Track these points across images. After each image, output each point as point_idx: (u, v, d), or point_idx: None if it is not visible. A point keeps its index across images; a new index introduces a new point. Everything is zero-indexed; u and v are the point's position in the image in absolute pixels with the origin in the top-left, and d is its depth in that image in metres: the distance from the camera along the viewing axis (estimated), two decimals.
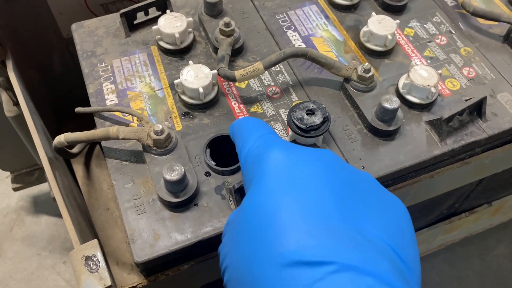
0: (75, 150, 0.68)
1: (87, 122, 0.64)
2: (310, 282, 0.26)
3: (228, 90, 0.58)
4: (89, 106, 0.57)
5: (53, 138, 0.55)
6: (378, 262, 0.28)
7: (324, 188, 0.31)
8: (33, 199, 1.22)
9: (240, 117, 0.55)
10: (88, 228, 0.63)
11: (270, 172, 0.32)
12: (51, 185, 0.55)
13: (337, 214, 0.30)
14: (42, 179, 1.05)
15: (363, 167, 0.52)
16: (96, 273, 0.45)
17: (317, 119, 0.50)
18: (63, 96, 0.83)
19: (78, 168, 0.74)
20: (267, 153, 0.34)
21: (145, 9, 0.63)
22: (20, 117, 0.76)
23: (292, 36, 0.64)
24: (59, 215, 1.16)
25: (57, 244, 1.16)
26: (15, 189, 1.06)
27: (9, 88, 0.73)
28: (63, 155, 0.62)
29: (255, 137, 0.37)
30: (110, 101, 0.57)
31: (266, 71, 0.57)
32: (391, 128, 0.53)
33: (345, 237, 0.28)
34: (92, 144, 0.74)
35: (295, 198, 0.30)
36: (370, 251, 0.28)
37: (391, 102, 0.52)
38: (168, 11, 0.62)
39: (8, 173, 1.05)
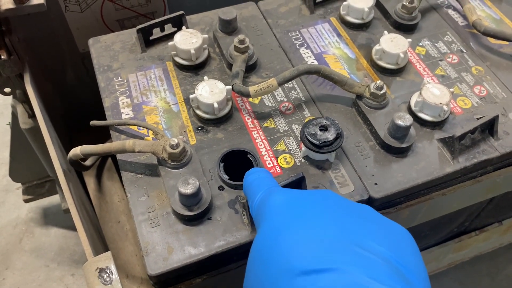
0: (88, 162, 0.69)
1: (99, 134, 0.65)
2: (314, 285, 0.30)
3: (242, 106, 0.59)
4: (101, 119, 0.57)
5: (66, 150, 0.56)
6: (376, 266, 0.31)
7: (323, 214, 0.35)
8: (43, 211, 1.23)
9: (253, 132, 0.56)
10: (99, 240, 0.63)
11: (272, 211, 0.37)
12: (65, 197, 0.55)
13: (336, 233, 0.33)
14: (53, 191, 1.05)
15: (375, 184, 0.52)
16: (109, 285, 0.45)
17: (330, 135, 0.51)
18: (75, 109, 0.84)
19: (90, 181, 0.75)
20: (269, 199, 0.39)
21: (161, 25, 0.64)
22: (34, 129, 0.78)
23: (304, 53, 0.65)
24: (68, 227, 1.18)
25: (65, 256, 1.16)
26: (26, 201, 1.06)
27: (25, 101, 0.74)
28: (77, 167, 0.63)
29: (260, 192, 0.42)
30: (126, 114, 0.58)
31: (279, 87, 0.58)
32: (404, 145, 0.54)
33: (345, 248, 0.32)
34: (104, 157, 0.75)
35: (296, 225, 0.34)
36: (368, 259, 0.31)
37: (404, 119, 0.52)
38: (183, 27, 0.63)
39: (19, 184, 1.06)
